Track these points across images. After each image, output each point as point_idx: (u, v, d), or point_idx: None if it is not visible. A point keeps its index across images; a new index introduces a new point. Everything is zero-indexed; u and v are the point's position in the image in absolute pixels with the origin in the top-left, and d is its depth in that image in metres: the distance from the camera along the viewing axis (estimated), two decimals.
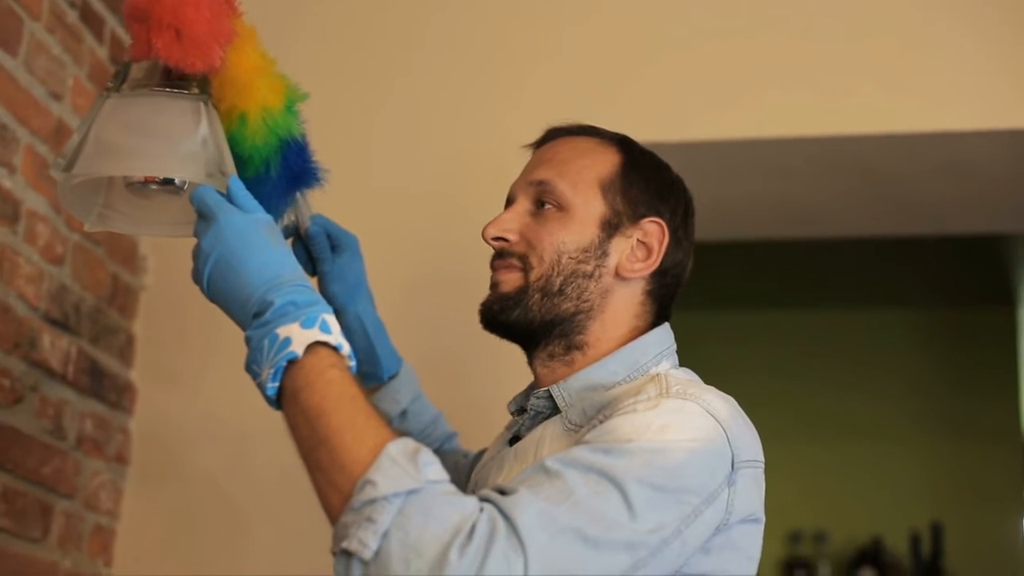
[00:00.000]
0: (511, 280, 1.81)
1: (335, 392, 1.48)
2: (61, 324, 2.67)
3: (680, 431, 1.55)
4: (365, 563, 1.37)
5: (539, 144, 1.95)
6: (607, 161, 1.85)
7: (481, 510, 1.40)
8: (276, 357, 1.50)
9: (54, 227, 2.63)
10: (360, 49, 3.17)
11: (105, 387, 2.87)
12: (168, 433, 3.00)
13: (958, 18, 2.99)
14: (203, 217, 1.63)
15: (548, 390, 1.80)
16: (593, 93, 3.02)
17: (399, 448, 1.42)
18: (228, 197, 1.64)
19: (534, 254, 1.80)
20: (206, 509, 2.94)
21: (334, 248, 2.07)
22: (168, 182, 1.70)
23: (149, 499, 2.97)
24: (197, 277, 1.62)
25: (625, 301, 1.82)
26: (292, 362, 1.50)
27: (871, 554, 5.89)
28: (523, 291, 1.80)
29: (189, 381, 3.01)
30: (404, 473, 1.39)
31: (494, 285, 1.84)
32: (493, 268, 1.85)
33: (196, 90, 1.71)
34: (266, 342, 1.52)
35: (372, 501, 1.38)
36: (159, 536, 2.94)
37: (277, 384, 1.51)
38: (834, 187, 3.30)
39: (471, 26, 3.16)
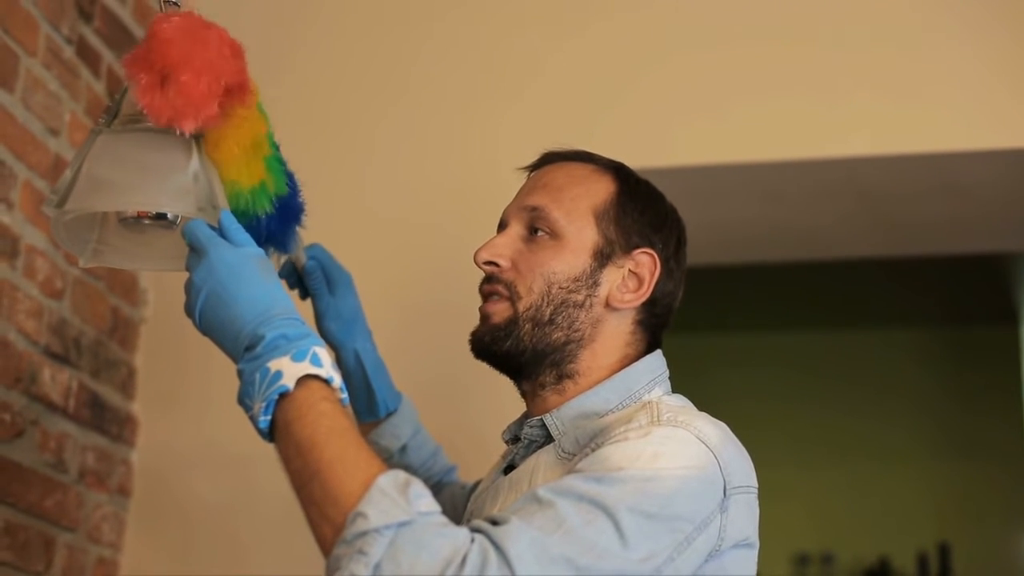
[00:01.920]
0: (500, 311, 1.81)
1: (326, 425, 1.48)
2: (62, 358, 2.67)
3: (672, 459, 1.55)
4: None
5: (534, 168, 1.95)
6: (602, 189, 1.85)
7: (472, 541, 1.40)
8: (268, 391, 1.50)
9: (53, 262, 2.64)
10: (351, 78, 3.19)
11: (106, 420, 2.87)
12: (170, 465, 3.00)
13: (953, 39, 2.99)
14: (194, 251, 1.63)
15: (541, 419, 1.80)
16: (585, 120, 3.03)
17: (389, 480, 1.43)
18: (220, 231, 1.65)
19: (523, 283, 1.80)
20: (209, 540, 2.94)
21: (328, 283, 2.08)
22: (161, 217, 1.71)
23: (152, 531, 2.97)
24: (189, 311, 1.63)
25: (615, 331, 1.82)
26: (283, 395, 1.50)
27: (878, 575, 5.88)
28: (513, 322, 1.80)
29: (191, 413, 3.01)
30: (395, 505, 1.39)
31: (484, 317, 1.84)
32: (482, 292, 1.86)
33: None
34: (257, 375, 1.52)
35: (364, 533, 1.38)
36: (162, 568, 2.94)
37: (269, 417, 1.51)
38: (832, 209, 3.30)
39: (461, 55, 3.17)
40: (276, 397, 1.50)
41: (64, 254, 2.67)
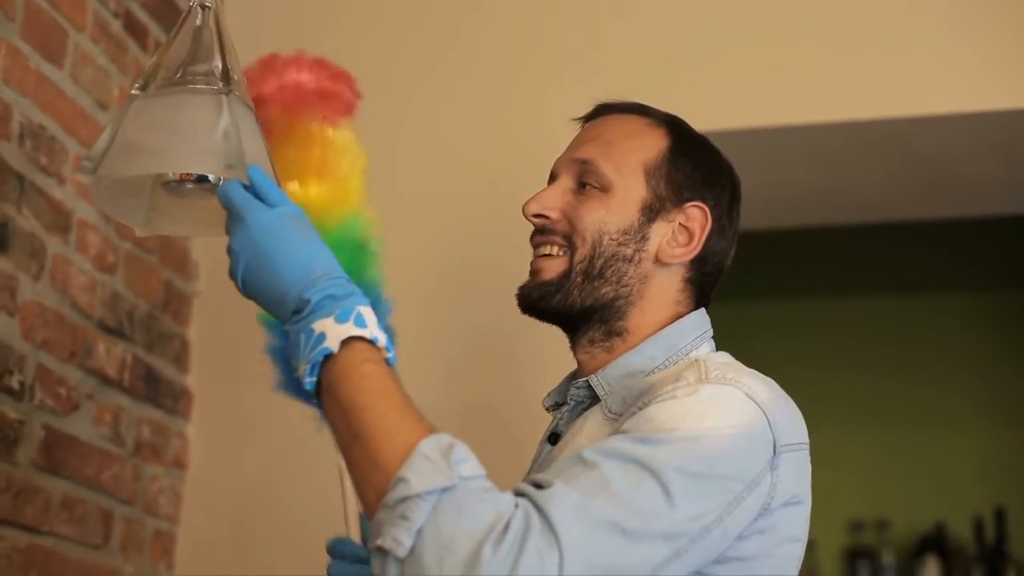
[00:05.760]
0: (553, 267, 1.79)
1: (369, 387, 1.46)
2: (116, 331, 2.70)
3: (720, 418, 1.53)
4: (400, 561, 1.35)
5: (588, 119, 1.94)
6: (654, 144, 1.83)
7: (516, 506, 1.38)
8: (311, 353, 1.49)
9: (105, 236, 2.66)
10: (393, 42, 3.18)
11: (161, 393, 2.90)
12: (225, 437, 3.02)
13: None
14: (232, 216, 1.61)
15: (587, 380, 1.78)
16: (639, 83, 3.00)
17: (432, 445, 1.40)
18: (254, 191, 1.61)
19: (577, 235, 1.78)
20: (264, 512, 2.96)
21: None
22: (203, 179, 1.66)
23: (208, 503, 3.00)
24: (232, 277, 1.60)
25: (664, 287, 1.80)
26: (328, 357, 1.49)
27: (934, 541, 5.84)
28: (565, 276, 1.78)
29: (245, 385, 3.00)
30: (437, 471, 1.37)
31: (535, 272, 1.82)
32: (533, 244, 1.84)
33: (220, 84, 1.69)
34: (302, 336, 1.50)
35: (405, 499, 1.36)
36: (219, 540, 2.96)
37: (315, 379, 1.49)
38: (881, 171, 3.28)
39: (509, 19, 3.17)
40: (320, 359, 1.49)
41: (116, 227, 2.69)
